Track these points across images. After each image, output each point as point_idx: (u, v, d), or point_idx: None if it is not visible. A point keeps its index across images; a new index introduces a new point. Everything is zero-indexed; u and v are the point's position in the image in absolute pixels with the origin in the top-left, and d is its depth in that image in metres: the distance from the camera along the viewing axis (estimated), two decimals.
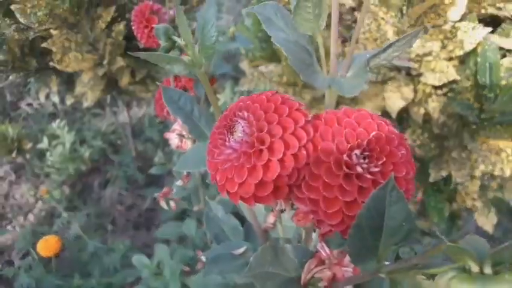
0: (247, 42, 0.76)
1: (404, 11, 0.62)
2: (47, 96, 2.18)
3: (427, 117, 0.78)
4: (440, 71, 0.68)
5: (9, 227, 1.69)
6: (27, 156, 1.79)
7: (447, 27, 0.66)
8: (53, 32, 1.04)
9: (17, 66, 1.08)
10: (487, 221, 0.85)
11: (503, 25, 0.73)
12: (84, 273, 1.07)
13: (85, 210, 1.64)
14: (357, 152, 0.22)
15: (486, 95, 0.66)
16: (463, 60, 0.72)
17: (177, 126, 0.76)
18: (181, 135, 0.71)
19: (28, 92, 2.33)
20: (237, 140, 0.23)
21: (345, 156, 0.22)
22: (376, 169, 0.22)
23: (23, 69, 1.13)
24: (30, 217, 1.72)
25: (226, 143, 0.23)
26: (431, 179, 0.78)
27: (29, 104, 2.25)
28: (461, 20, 0.65)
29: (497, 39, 0.72)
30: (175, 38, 0.27)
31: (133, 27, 0.57)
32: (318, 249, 0.31)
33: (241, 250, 0.37)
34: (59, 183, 1.79)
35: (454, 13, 0.65)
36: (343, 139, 0.22)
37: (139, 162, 1.77)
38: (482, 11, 0.72)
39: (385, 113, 0.83)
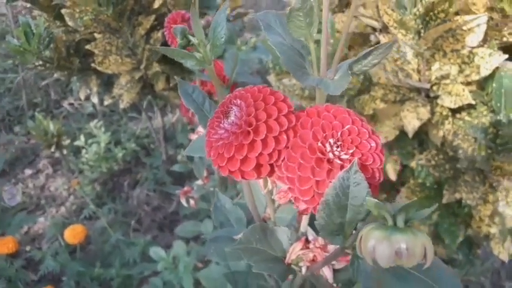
0: (266, 52, 0.81)
1: (421, 34, 0.64)
2: (87, 98, 2.30)
3: (443, 139, 0.79)
4: (456, 94, 0.70)
5: (41, 218, 1.79)
6: (65, 151, 1.89)
7: (465, 52, 0.69)
8: (96, 35, 1.12)
9: (62, 64, 1.17)
10: (503, 249, 0.84)
11: None
12: (105, 263, 1.13)
13: (113, 208, 1.72)
14: (331, 140, 0.26)
15: (501, 120, 0.67)
16: (481, 85, 0.74)
17: (201, 128, 0.81)
18: None
19: (71, 92, 2.47)
20: (229, 122, 0.27)
21: (319, 143, 0.26)
22: (346, 156, 0.25)
23: (67, 68, 1.22)
24: (62, 209, 1.81)
25: (221, 125, 0.27)
26: (444, 200, 0.79)
27: (71, 104, 2.38)
28: (479, 46, 0.68)
29: None
30: (190, 37, 0.31)
31: (165, 33, 0.62)
32: (305, 234, 0.35)
33: (240, 235, 0.40)
34: (91, 180, 1.88)
35: (472, 39, 0.67)
36: (319, 128, 0.26)
37: (168, 165, 1.83)
38: (504, 39, 0.74)
39: (403, 133, 0.85)
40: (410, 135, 0.78)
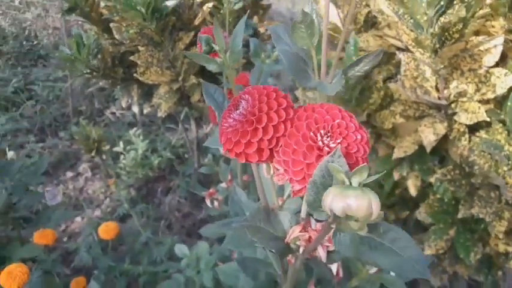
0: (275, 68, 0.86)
1: (438, 52, 0.68)
2: (129, 107, 2.44)
3: (460, 156, 0.81)
4: (472, 112, 0.73)
5: (78, 218, 1.90)
6: (104, 157, 2.01)
7: (482, 71, 0.71)
8: (140, 48, 1.22)
9: (107, 74, 1.27)
10: None
11: None
12: (134, 260, 1.20)
13: (145, 212, 1.81)
14: (322, 131, 0.31)
15: None
16: (499, 103, 0.76)
17: None
18: None
19: (113, 101, 2.62)
20: (237, 113, 0.32)
21: (311, 133, 0.30)
22: (333, 145, 0.30)
23: (111, 77, 1.32)
24: (98, 211, 1.92)
25: (231, 115, 0.33)
26: (459, 215, 0.80)
27: (113, 113, 2.52)
28: (495, 66, 0.70)
29: None
30: (213, 44, 0.37)
31: (197, 46, 0.69)
32: (304, 219, 0.39)
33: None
34: (127, 185, 1.98)
35: (489, 59, 0.70)
36: (312, 121, 0.31)
37: (200, 174, 1.91)
38: None
39: (423, 148, 0.87)
40: (428, 149, 0.80)
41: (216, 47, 0.37)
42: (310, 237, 0.36)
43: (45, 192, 2.00)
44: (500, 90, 0.69)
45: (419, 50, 0.70)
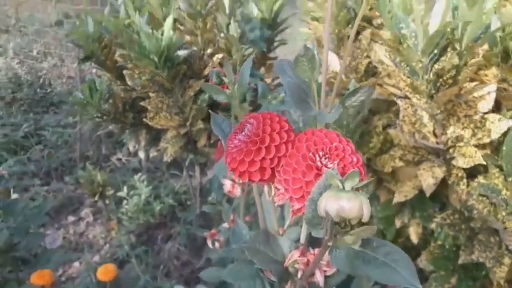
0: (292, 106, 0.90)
1: (434, 97, 0.72)
2: (135, 154, 2.48)
3: (460, 202, 0.83)
4: (469, 156, 0.75)
5: (77, 263, 1.88)
6: (107, 201, 2.02)
7: (477, 117, 0.75)
8: (151, 94, 1.27)
9: (117, 118, 1.32)
10: None
11: None
12: None
13: (145, 259, 1.79)
14: (320, 153, 0.33)
15: None
16: (496, 148, 0.78)
17: None
18: (233, 182, 0.84)
19: (120, 148, 2.67)
20: (243, 135, 0.35)
21: (310, 154, 0.33)
22: (331, 165, 0.32)
23: (121, 122, 1.36)
24: (97, 257, 1.90)
25: (237, 137, 0.35)
26: (460, 261, 0.80)
27: (119, 159, 2.56)
28: (490, 112, 0.74)
29: None
30: (223, 77, 0.41)
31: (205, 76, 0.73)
32: (303, 244, 0.41)
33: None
34: (128, 231, 1.97)
35: (483, 105, 0.74)
36: (312, 143, 0.33)
37: (201, 221, 1.91)
38: None
39: (423, 194, 0.89)
40: (427, 193, 0.82)
41: (226, 80, 0.40)
42: (308, 260, 0.38)
43: (46, 236, 2.00)
44: (495, 135, 0.72)
45: (416, 95, 0.74)
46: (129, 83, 1.31)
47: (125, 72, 1.30)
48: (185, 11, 1.25)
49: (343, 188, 0.27)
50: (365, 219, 0.26)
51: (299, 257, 0.38)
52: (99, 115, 1.27)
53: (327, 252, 0.34)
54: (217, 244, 0.90)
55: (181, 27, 1.30)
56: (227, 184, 0.85)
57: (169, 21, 1.09)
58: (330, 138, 0.34)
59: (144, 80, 1.23)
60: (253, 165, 0.33)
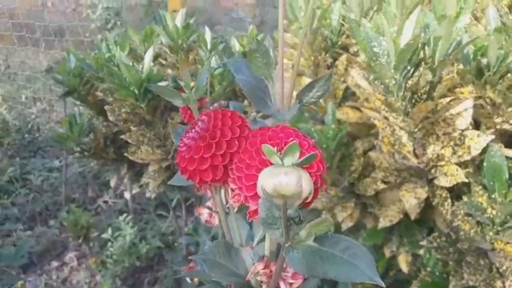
0: (264, 124, 0.89)
1: (410, 113, 0.71)
2: (121, 195, 2.44)
3: (446, 224, 0.80)
4: (451, 175, 0.73)
5: None
6: (91, 244, 1.95)
7: (456, 134, 0.73)
8: (132, 128, 1.25)
9: (98, 153, 1.30)
10: None
11: None
12: None
13: None
14: (276, 147, 0.31)
15: (496, 199, 0.69)
16: (477, 167, 0.77)
17: (210, 203, 0.86)
18: (211, 211, 0.80)
19: (107, 190, 2.62)
20: (194, 132, 0.33)
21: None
22: None
23: (102, 158, 1.34)
24: None
25: (187, 135, 0.33)
26: (451, 287, 0.76)
27: (105, 201, 2.51)
28: (468, 128, 0.73)
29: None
30: (179, 81, 0.39)
31: (181, 114, 0.71)
32: (267, 256, 0.38)
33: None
34: (113, 275, 1.89)
35: (461, 122, 0.73)
36: (266, 138, 0.31)
37: (188, 262, 1.84)
38: (498, 127, 0.79)
39: (409, 219, 0.86)
40: (412, 216, 0.79)
41: (182, 83, 0.38)
42: (271, 271, 0.35)
43: (27, 283, 1.91)
44: (475, 152, 0.70)
45: (393, 114, 0.73)
46: (110, 118, 1.30)
47: (106, 107, 1.29)
48: (167, 46, 1.27)
49: (283, 164, 0.25)
50: (304, 195, 0.23)
51: (262, 269, 0.35)
52: (79, 150, 1.25)
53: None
54: (195, 279, 0.86)
55: (164, 62, 1.31)
56: (204, 214, 0.82)
57: (149, 53, 1.09)
58: (286, 133, 0.32)
59: (125, 113, 1.21)
60: (203, 163, 0.31)
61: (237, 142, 0.32)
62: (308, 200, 0.24)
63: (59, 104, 3.54)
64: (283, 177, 0.23)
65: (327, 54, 0.96)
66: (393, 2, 0.86)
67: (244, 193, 0.31)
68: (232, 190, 0.32)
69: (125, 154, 1.27)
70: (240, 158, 0.31)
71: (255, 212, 0.31)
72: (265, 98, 0.36)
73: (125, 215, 2.11)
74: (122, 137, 1.23)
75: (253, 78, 0.36)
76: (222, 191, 0.36)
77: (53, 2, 2.96)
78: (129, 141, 1.24)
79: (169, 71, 1.29)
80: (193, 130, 0.33)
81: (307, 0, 1.07)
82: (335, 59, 0.97)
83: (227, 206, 0.36)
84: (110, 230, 1.99)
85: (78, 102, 1.38)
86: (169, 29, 1.24)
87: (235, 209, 0.33)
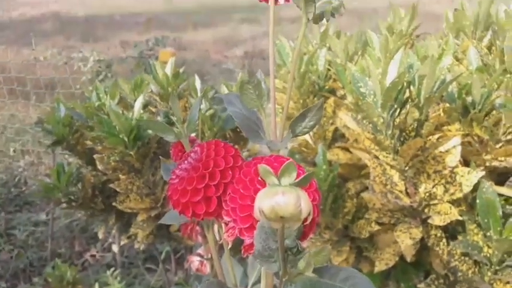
0: None
1: (399, 151, 0.71)
2: (109, 249, 2.37)
3: (443, 266, 0.78)
4: (445, 213, 0.73)
5: None
6: None
7: (447, 172, 0.74)
8: (121, 176, 1.24)
9: (86, 203, 1.27)
10: None
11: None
12: None
13: None
14: None
15: (492, 236, 0.68)
16: (470, 205, 0.76)
17: (200, 250, 0.84)
18: (202, 259, 0.78)
19: (94, 244, 2.55)
20: (186, 163, 0.32)
21: (259, 178, 0.30)
22: None
23: (90, 208, 1.31)
24: None
25: (179, 167, 0.32)
26: None
27: (93, 255, 2.43)
28: (458, 166, 0.73)
29: (506, 191, 0.77)
30: (171, 116, 0.39)
31: (171, 152, 0.71)
32: None
33: None
34: None
35: (451, 160, 0.73)
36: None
37: None
38: (487, 164, 0.79)
39: (406, 262, 0.84)
40: (408, 257, 0.77)
41: (174, 118, 0.38)
42: None
43: None
44: (467, 189, 0.71)
45: (383, 153, 0.73)
46: (99, 167, 1.28)
47: (95, 156, 1.28)
48: (157, 94, 1.28)
49: (280, 184, 0.24)
50: (303, 215, 0.23)
51: None
52: (66, 200, 1.22)
53: None
54: None
55: (153, 110, 1.32)
56: (195, 261, 0.79)
57: (139, 100, 1.10)
58: (280, 162, 0.31)
59: (114, 161, 1.20)
60: (196, 194, 0.30)
61: (230, 172, 0.31)
62: (307, 222, 0.23)
63: (47, 156, 3.51)
64: (280, 197, 0.23)
65: (315, 98, 0.98)
66: (377, 46, 0.89)
67: (238, 225, 0.30)
68: (226, 224, 0.31)
69: (114, 204, 1.24)
70: (234, 189, 0.30)
71: (251, 246, 0.30)
72: (258, 129, 0.36)
73: (112, 269, 2.04)
74: (111, 185, 1.21)
75: (245, 110, 0.36)
76: (215, 227, 0.35)
77: (45, 55, 3.01)
78: (118, 189, 1.21)
79: (159, 118, 1.29)
80: (185, 161, 0.33)
81: (294, 49, 1.11)
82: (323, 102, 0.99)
83: (220, 242, 0.35)
84: (97, 285, 1.91)
85: (66, 155, 1.37)
86: (159, 78, 1.26)
87: (230, 245, 0.32)
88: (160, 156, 0.48)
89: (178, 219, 0.38)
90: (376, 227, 0.80)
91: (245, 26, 8.74)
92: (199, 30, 8.73)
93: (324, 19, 0.34)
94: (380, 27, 1.13)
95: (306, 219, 0.23)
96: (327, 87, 1.02)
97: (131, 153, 1.14)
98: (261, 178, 0.28)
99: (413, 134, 0.70)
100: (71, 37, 7.63)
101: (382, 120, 0.69)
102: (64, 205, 1.26)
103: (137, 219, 1.29)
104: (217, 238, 0.34)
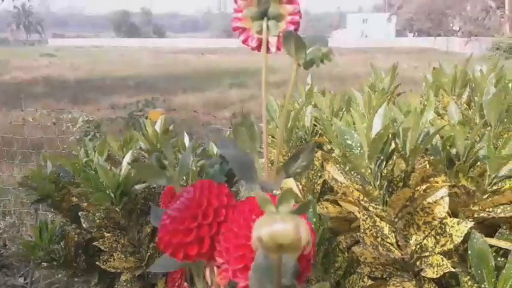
0: None
1: (388, 202, 0.71)
2: None
3: None
4: (437, 265, 0.72)
5: None
6: None
7: (436, 223, 0.74)
8: (106, 234, 1.20)
9: (68, 262, 1.22)
10: None
11: (501, 230, 0.79)
12: None
13: None
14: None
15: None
16: (461, 256, 0.76)
17: None
18: None
19: None
20: (178, 203, 0.32)
21: (253, 216, 0.30)
22: None
23: (72, 267, 1.26)
24: None
25: (171, 207, 0.32)
26: None
27: None
28: (446, 217, 0.73)
29: (495, 242, 0.77)
30: (163, 160, 0.39)
31: (160, 203, 0.70)
32: None
33: None
34: None
35: (439, 211, 0.74)
36: (254, 206, 0.31)
37: None
38: (475, 215, 0.80)
39: None
40: None
41: (166, 162, 0.39)
42: None
43: None
44: (457, 239, 0.70)
45: (372, 204, 0.73)
46: (84, 224, 1.25)
47: (80, 213, 1.25)
48: (146, 150, 1.28)
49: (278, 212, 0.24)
50: (304, 243, 0.22)
51: None
52: (47, 259, 1.17)
53: None
54: None
55: None
56: None
57: (127, 156, 1.11)
58: (274, 201, 0.31)
59: (99, 219, 1.17)
60: (188, 235, 0.30)
61: (224, 211, 0.31)
62: (306, 251, 0.23)
63: (29, 217, 3.42)
64: (279, 224, 0.22)
65: None
66: (361, 103, 0.92)
67: (232, 266, 0.29)
68: (219, 267, 0.31)
69: (97, 263, 1.19)
70: (228, 228, 0.30)
71: None
72: (251, 171, 0.36)
73: None
74: (95, 243, 1.18)
75: (238, 152, 0.37)
76: (207, 271, 0.34)
77: (34, 117, 3.03)
78: (102, 248, 1.18)
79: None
80: (177, 202, 0.32)
81: (281, 106, 1.14)
82: None
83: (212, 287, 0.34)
84: None
85: (50, 215, 1.33)
86: (149, 135, 1.27)
87: None
88: (149, 206, 0.48)
89: (167, 266, 0.38)
90: (369, 282, 0.78)
91: (233, 90, 9.01)
92: (189, 93, 8.96)
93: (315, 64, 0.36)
94: (363, 86, 1.18)
95: (305, 249, 0.23)
96: (313, 142, 1.04)
97: (117, 209, 1.12)
98: (258, 211, 0.28)
99: (401, 184, 0.71)
100: (61, 100, 7.74)
101: (369, 171, 0.70)
102: (45, 264, 1.20)
103: (121, 279, 1.23)
104: (209, 283, 0.33)
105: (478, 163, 0.74)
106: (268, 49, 0.39)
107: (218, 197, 0.32)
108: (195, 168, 1.15)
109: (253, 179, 0.36)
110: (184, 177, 1.01)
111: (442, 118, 0.87)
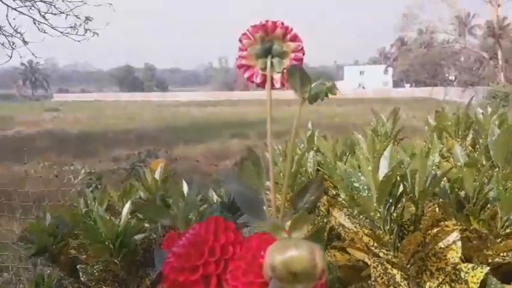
0: None
1: (399, 248, 0.69)
2: None
3: None
4: None
5: None
6: None
7: (449, 269, 0.71)
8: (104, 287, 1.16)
9: None
10: None
11: None
12: None
13: None
14: None
15: None
16: None
17: None
18: None
19: None
20: (184, 240, 0.30)
21: (262, 252, 0.28)
22: None
23: None
24: None
25: (177, 244, 0.30)
26: None
27: None
28: (460, 262, 0.70)
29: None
30: (168, 200, 0.38)
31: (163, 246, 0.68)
32: None
33: None
34: None
35: (453, 256, 0.71)
36: (263, 242, 0.29)
37: None
38: (490, 260, 0.77)
39: None
40: None
41: (170, 201, 0.37)
42: None
43: None
44: (474, 286, 0.67)
45: (383, 250, 0.71)
46: (82, 278, 1.21)
47: (79, 266, 1.21)
48: (145, 199, 1.26)
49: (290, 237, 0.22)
50: (319, 269, 0.20)
51: None
52: None
53: None
54: None
55: (141, 216, 1.29)
56: None
57: (127, 206, 1.08)
58: None
59: (97, 271, 1.13)
60: (194, 272, 0.28)
61: (231, 248, 0.29)
62: (322, 280, 0.21)
63: (26, 273, 3.32)
64: (293, 251, 0.21)
65: None
66: (364, 146, 0.92)
67: None
68: None
69: None
70: (236, 265, 0.28)
71: None
72: (258, 208, 0.34)
73: None
74: None
75: (244, 188, 0.36)
76: None
77: (36, 169, 3.03)
78: None
79: (146, 224, 1.26)
80: (183, 239, 0.31)
81: (283, 151, 1.14)
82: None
83: None
84: None
85: (48, 270, 1.29)
86: (148, 183, 1.25)
87: None
88: (146, 266, 0.46)
89: None
90: None
91: (235, 141, 9.08)
92: (190, 145, 9.03)
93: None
94: (365, 131, 1.18)
95: (320, 277, 0.21)
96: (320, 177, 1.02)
97: (116, 261, 1.08)
98: (266, 247, 0.26)
99: (411, 228, 0.69)
100: (63, 153, 7.79)
101: (379, 214, 0.68)
102: None
103: None
104: None
105: (488, 205, 0.72)
106: (272, 85, 0.38)
107: (225, 233, 0.30)
108: (197, 214, 1.12)
109: (261, 216, 0.35)
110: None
111: (447, 160, 0.86)
